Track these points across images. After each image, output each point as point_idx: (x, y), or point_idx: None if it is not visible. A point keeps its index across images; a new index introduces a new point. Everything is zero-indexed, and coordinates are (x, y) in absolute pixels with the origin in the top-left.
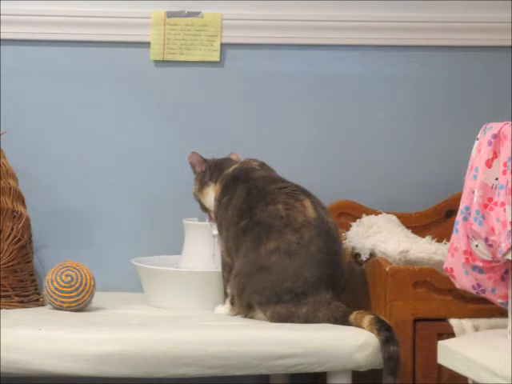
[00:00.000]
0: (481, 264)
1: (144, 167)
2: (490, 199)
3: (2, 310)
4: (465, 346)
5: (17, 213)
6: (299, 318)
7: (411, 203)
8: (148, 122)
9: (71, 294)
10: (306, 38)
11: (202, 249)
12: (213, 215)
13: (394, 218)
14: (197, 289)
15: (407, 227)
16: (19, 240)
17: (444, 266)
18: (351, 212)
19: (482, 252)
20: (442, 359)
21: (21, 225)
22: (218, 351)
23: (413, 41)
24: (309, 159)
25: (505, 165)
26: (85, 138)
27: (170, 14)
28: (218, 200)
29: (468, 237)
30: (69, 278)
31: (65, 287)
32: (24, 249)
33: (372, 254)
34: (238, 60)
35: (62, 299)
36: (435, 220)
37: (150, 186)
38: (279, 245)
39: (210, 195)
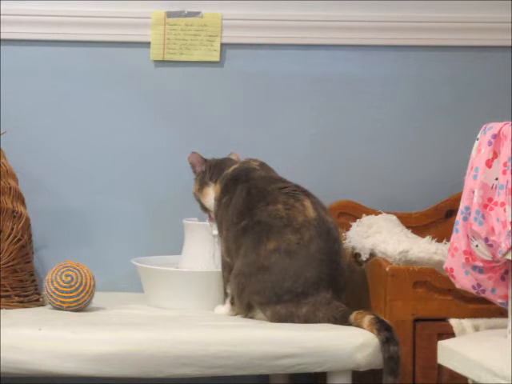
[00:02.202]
0: (481, 264)
1: (144, 167)
2: (490, 199)
3: (2, 310)
4: (465, 346)
5: (17, 213)
6: (299, 318)
7: (411, 203)
8: (148, 122)
9: (71, 294)
10: (306, 38)
11: (201, 249)
12: (213, 215)
13: (394, 218)
14: (197, 289)
15: (407, 227)
16: (19, 240)
17: (444, 266)
18: (351, 212)
19: (482, 252)
20: (442, 359)
21: (21, 225)
22: (218, 351)
23: (413, 41)
24: (309, 159)
25: (505, 165)
26: (85, 137)
27: (169, 14)
28: (218, 200)
29: (468, 237)
30: (69, 278)
31: (65, 287)
32: (24, 249)
33: (372, 254)
34: (238, 60)
35: (62, 299)
36: (435, 220)
37: (149, 186)
38: (279, 245)
39: (210, 195)
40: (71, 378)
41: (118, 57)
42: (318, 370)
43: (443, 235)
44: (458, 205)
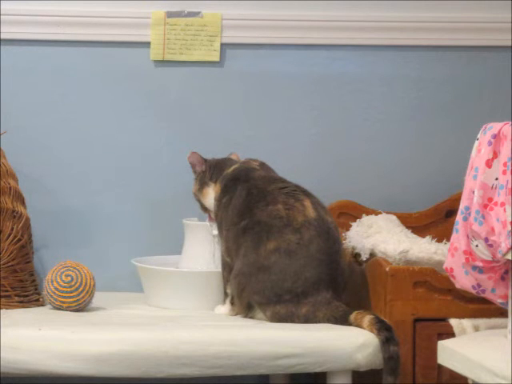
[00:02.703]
0: (481, 264)
1: (144, 167)
2: (490, 199)
3: (2, 310)
4: (465, 346)
5: (17, 213)
6: (299, 318)
7: (411, 203)
8: (148, 122)
9: (71, 294)
10: (306, 38)
11: (201, 249)
12: (213, 215)
13: (394, 217)
14: (197, 289)
15: (407, 227)
16: (19, 240)
17: (444, 266)
18: (351, 212)
19: (482, 252)
20: (442, 359)
21: (21, 225)
22: (218, 351)
23: (413, 41)
24: (309, 159)
25: (505, 165)
26: (85, 137)
27: (169, 14)
28: (218, 200)
29: (468, 237)
30: (69, 278)
31: (65, 287)
32: (24, 249)
33: (372, 254)
34: (238, 60)
35: (62, 299)
36: (435, 220)
37: (150, 186)
38: (279, 245)
39: (210, 195)
40: (71, 378)
41: (118, 57)
42: (318, 369)
43: (443, 235)
44: (458, 205)
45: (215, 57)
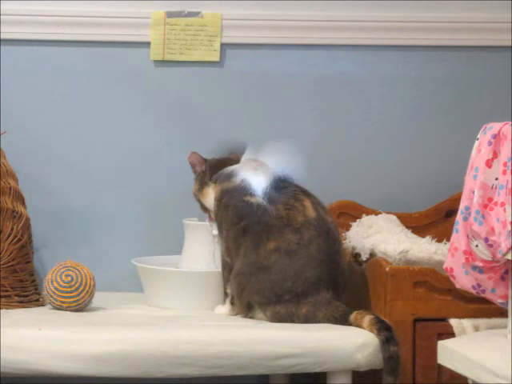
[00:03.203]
0: (481, 264)
1: (144, 167)
2: (490, 199)
3: (2, 310)
4: (465, 346)
5: (17, 213)
6: (299, 318)
7: (411, 203)
8: (148, 122)
9: (71, 294)
10: (306, 38)
11: (201, 249)
12: (213, 215)
13: (394, 218)
14: (197, 289)
15: (407, 227)
16: (19, 240)
17: (444, 266)
18: (351, 212)
19: (482, 252)
20: (442, 359)
21: (21, 225)
22: (218, 351)
23: (412, 41)
24: (309, 159)
25: (505, 165)
26: (85, 137)
27: (169, 14)
28: (218, 200)
29: (468, 237)
30: (69, 278)
31: (65, 287)
32: (24, 249)
33: (372, 254)
34: (238, 60)
35: (62, 299)
36: (435, 220)
37: (150, 186)
38: (279, 245)
39: (210, 195)
40: (71, 378)
41: (118, 57)
42: (318, 369)
43: (443, 235)
44: (458, 205)
45: (215, 57)
